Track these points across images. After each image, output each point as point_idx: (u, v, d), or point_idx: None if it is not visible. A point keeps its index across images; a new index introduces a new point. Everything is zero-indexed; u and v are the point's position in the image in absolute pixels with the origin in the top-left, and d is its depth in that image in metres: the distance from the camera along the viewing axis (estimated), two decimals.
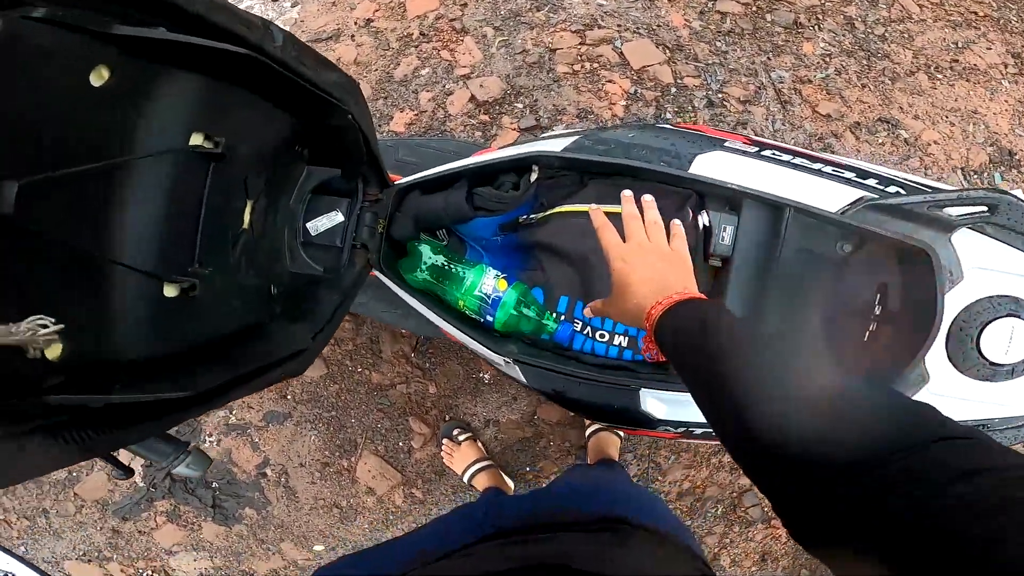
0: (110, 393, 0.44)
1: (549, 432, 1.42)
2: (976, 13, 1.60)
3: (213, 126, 0.58)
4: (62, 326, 0.40)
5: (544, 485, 1.41)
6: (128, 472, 0.52)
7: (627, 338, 0.79)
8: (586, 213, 0.78)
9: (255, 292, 0.73)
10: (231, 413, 1.44)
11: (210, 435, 1.46)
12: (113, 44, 0.44)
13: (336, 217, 0.82)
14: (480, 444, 1.38)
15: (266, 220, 0.74)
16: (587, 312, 0.70)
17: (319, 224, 0.82)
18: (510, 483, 1.37)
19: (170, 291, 0.57)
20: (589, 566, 0.41)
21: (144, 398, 0.46)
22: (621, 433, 1.35)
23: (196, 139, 0.57)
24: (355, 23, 1.65)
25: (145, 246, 0.53)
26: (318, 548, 1.46)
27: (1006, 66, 1.53)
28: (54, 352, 0.42)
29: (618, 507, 0.55)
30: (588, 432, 1.35)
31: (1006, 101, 1.50)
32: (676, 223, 0.67)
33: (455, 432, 1.36)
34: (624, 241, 0.63)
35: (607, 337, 0.78)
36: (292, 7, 1.69)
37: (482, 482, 1.30)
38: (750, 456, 0.38)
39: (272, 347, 0.67)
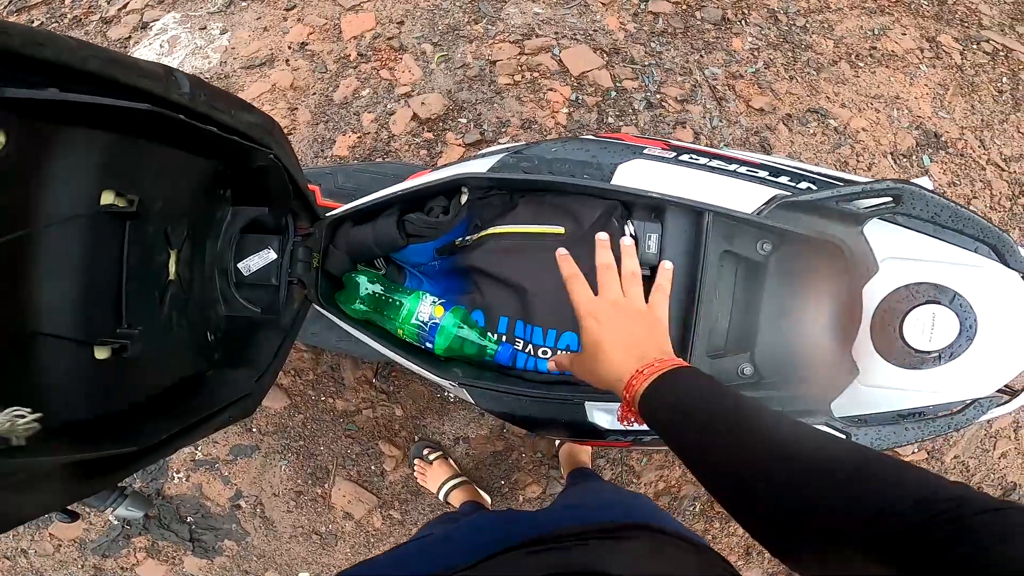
0: (58, 454, 0.44)
1: (520, 444, 1.42)
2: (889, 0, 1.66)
3: (124, 183, 0.57)
4: (40, 415, 0.40)
5: (525, 499, 1.41)
6: (73, 516, 0.53)
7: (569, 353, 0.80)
8: (519, 234, 0.79)
9: (190, 343, 0.72)
10: (196, 450, 1.41)
11: (177, 471, 1.43)
12: (4, 108, 0.43)
13: (268, 255, 0.81)
14: (452, 461, 1.37)
15: (193, 268, 0.73)
16: (552, 365, 0.67)
17: (251, 263, 0.81)
18: (486, 497, 1.37)
19: (101, 354, 0.56)
20: (628, 571, 0.42)
21: (88, 456, 0.47)
22: None
23: (107, 198, 0.56)
24: (289, 47, 1.63)
25: (68, 313, 0.53)
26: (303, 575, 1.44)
27: (922, 51, 1.60)
28: (18, 441, 0.42)
29: (635, 513, 0.55)
30: (557, 442, 1.35)
31: (925, 85, 1.56)
32: (665, 268, 0.63)
33: (425, 452, 1.36)
34: (596, 294, 0.59)
35: (549, 353, 0.79)
36: (222, 34, 1.67)
37: (458, 498, 1.30)
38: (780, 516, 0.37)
39: (215, 396, 0.67)
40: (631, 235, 0.75)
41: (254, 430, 1.41)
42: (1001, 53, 1.60)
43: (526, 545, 0.48)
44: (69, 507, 0.55)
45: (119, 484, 0.56)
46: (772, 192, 0.71)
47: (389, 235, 0.80)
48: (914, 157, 1.52)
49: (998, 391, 0.68)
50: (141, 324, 0.60)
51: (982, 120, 1.54)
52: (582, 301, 0.59)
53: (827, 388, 0.69)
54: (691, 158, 0.76)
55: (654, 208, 0.75)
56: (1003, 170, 1.51)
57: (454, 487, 1.31)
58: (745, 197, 0.72)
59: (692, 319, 0.71)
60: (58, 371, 0.51)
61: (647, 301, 0.60)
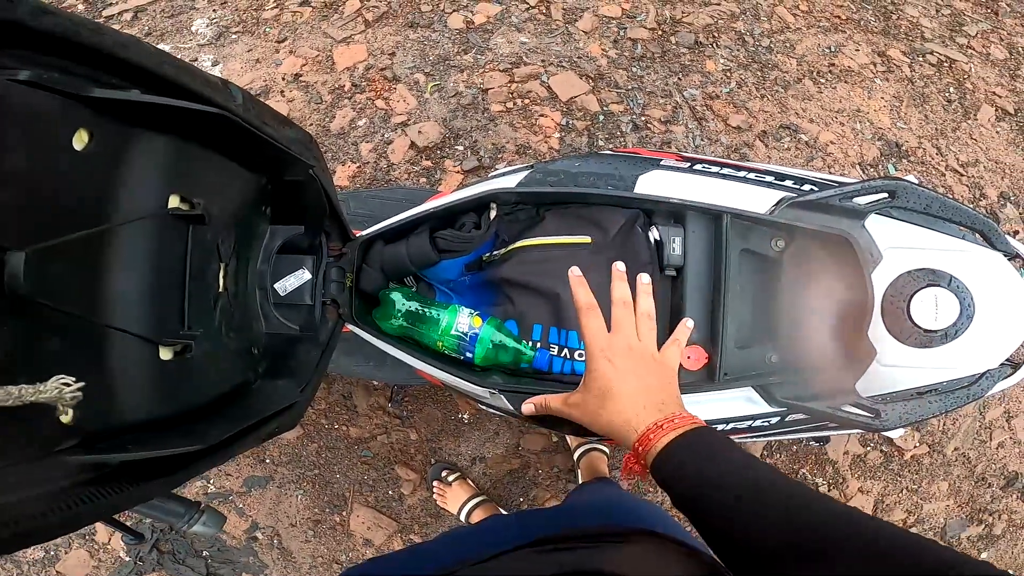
0: (124, 451, 0.45)
1: (536, 461, 1.43)
2: (840, 17, 1.82)
3: (188, 188, 0.59)
4: (83, 383, 0.41)
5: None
6: (139, 537, 0.54)
7: None
8: (547, 246, 0.83)
9: (238, 353, 0.73)
10: (209, 483, 1.37)
11: None
12: (90, 107, 0.45)
13: (303, 275, 0.83)
14: (470, 481, 1.37)
15: (237, 283, 0.74)
16: (527, 410, 0.64)
17: (287, 284, 0.82)
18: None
19: (165, 354, 0.57)
20: (632, 573, 0.43)
21: (159, 453, 0.47)
22: (606, 449, 1.39)
23: (174, 201, 0.58)
24: (283, 78, 1.66)
25: (138, 310, 0.54)
26: None
27: (875, 65, 1.75)
28: (66, 417, 0.43)
29: (645, 521, 0.56)
30: (576, 455, 1.37)
31: (882, 98, 1.71)
32: (685, 325, 0.62)
33: (444, 473, 1.35)
34: (609, 331, 0.57)
35: (585, 356, 0.83)
36: (213, 66, 1.69)
37: (479, 518, 1.29)
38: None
39: (262, 405, 0.67)
40: (655, 239, 0.80)
41: (267, 460, 1.38)
42: (945, 64, 1.77)
43: (534, 544, 0.49)
44: (136, 530, 0.55)
45: (196, 501, 0.56)
46: (780, 194, 0.78)
47: (423, 251, 0.82)
48: (880, 167, 1.64)
49: (1003, 364, 0.75)
50: (201, 328, 0.62)
51: (936, 129, 1.69)
52: (595, 336, 0.56)
53: (849, 370, 0.74)
54: (704, 167, 0.83)
55: (674, 214, 0.81)
56: (961, 175, 1.65)
57: (475, 507, 1.31)
58: (757, 199, 0.78)
59: (720, 313, 0.76)
60: (126, 368, 0.52)
61: (659, 349, 0.58)
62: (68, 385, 0.41)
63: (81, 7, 1.75)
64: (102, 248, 0.50)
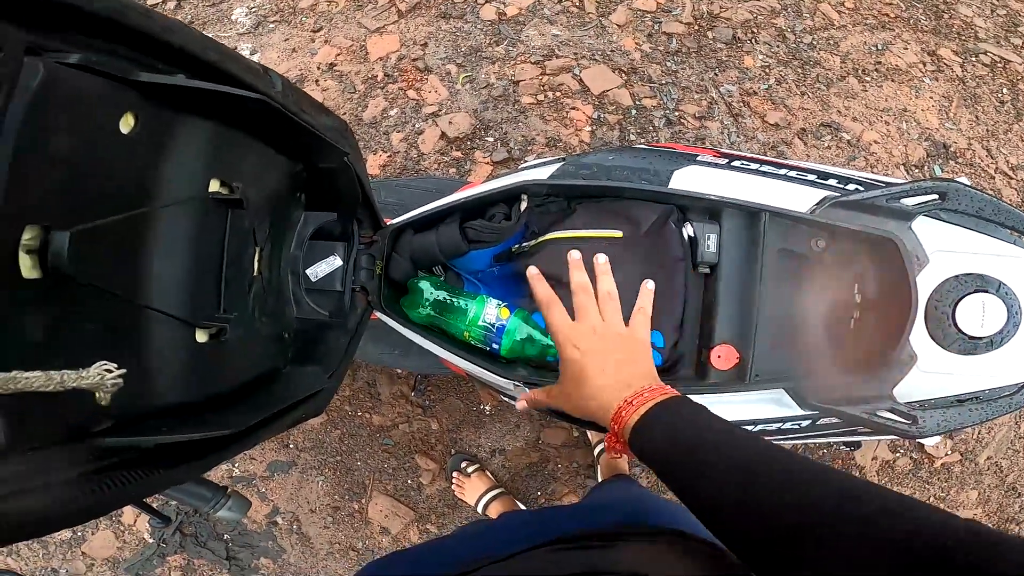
0: (158, 434, 0.45)
1: (555, 455, 1.43)
2: (888, 15, 1.75)
3: (228, 172, 0.60)
4: (124, 371, 0.41)
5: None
6: (166, 520, 0.54)
7: None
8: (576, 239, 0.83)
9: (270, 338, 0.74)
10: (234, 466, 1.40)
11: None
12: (137, 91, 0.46)
13: (335, 262, 0.84)
14: (489, 474, 1.38)
15: (271, 268, 0.75)
16: (520, 406, 0.64)
17: (319, 270, 0.83)
18: (524, 509, 1.37)
19: (201, 337, 0.58)
20: (650, 572, 0.43)
21: (192, 437, 0.48)
22: None
23: (214, 186, 0.59)
24: (318, 68, 1.68)
25: (176, 293, 0.55)
26: None
27: (924, 64, 1.68)
28: (105, 398, 0.44)
29: (666, 520, 0.56)
30: (597, 451, 1.36)
31: (930, 97, 1.64)
32: (647, 288, 0.62)
33: (463, 464, 1.36)
34: (573, 319, 0.58)
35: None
36: (252, 54, 1.72)
37: (496, 510, 1.30)
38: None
39: (290, 390, 0.68)
40: (689, 236, 0.79)
41: (291, 446, 1.41)
42: (999, 64, 1.69)
43: (553, 543, 0.49)
44: (163, 513, 0.57)
45: (223, 486, 0.57)
46: (823, 193, 0.75)
47: (453, 240, 0.82)
48: (926, 168, 1.58)
49: None
50: (235, 312, 0.63)
51: (987, 130, 1.61)
52: (560, 327, 0.57)
53: (887, 374, 0.72)
54: (742, 164, 0.80)
55: (710, 210, 0.79)
56: (1011, 178, 1.58)
57: (492, 499, 1.32)
58: (798, 198, 0.75)
59: (753, 313, 0.74)
60: (162, 350, 0.53)
61: (627, 323, 0.59)
62: (110, 371, 0.41)
63: None
64: (143, 231, 0.51)
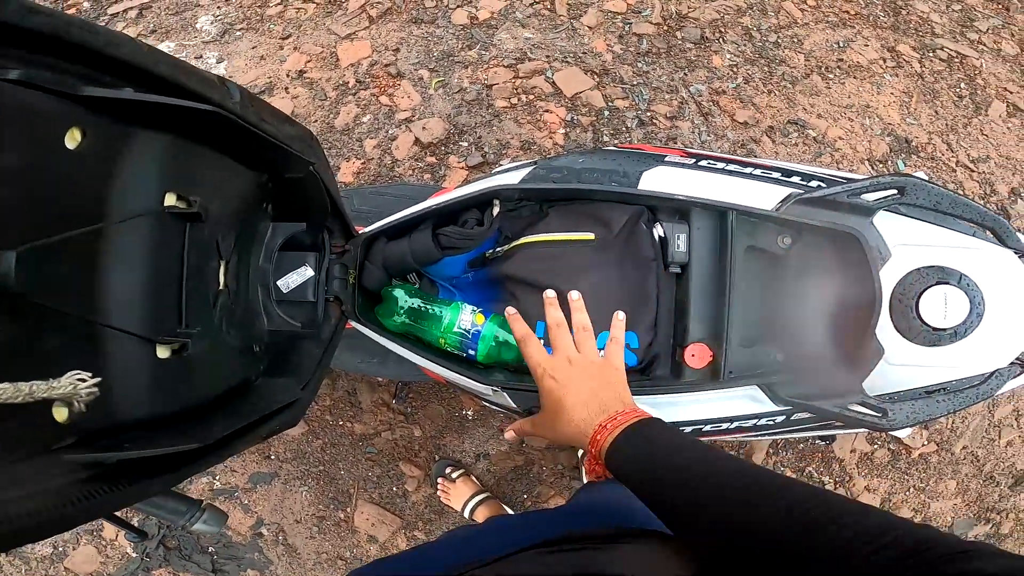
0: (121, 450, 0.44)
1: (540, 458, 1.43)
2: (848, 12, 1.79)
3: (184, 186, 0.59)
4: (100, 379, 0.41)
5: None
6: (142, 534, 0.53)
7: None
8: (550, 242, 0.83)
9: (240, 351, 0.73)
10: (215, 479, 1.38)
11: None
12: (84, 106, 0.45)
13: (306, 272, 0.83)
14: (474, 478, 1.37)
15: (239, 280, 0.74)
16: (509, 436, 0.68)
17: (290, 281, 0.82)
18: (510, 512, 1.37)
19: (163, 353, 0.57)
20: (636, 573, 0.43)
21: (155, 452, 0.47)
22: None
23: (170, 199, 0.58)
24: (287, 75, 1.66)
25: (134, 309, 0.53)
26: None
27: (884, 60, 1.73)
28: (61, 415, 0.43)
29: (652, 521, 0.56)
30: (581, 452, 1.37)
31: (892, 93, 1.68)
32: (618, 319, 0.65)
33: (447, 470, 1.36)
34: (549, 352, 0.61)
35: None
36: (218, 63, 1.69)
37: (483, 514, 1.29)
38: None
39: (264, 402, 0.67)
40: (660, 236, 0.80)
41: (272, 457, 1.39)
42: (956, 60, 1.74)
43: (541, 546, 0.50)
44: (141, 528, 0.55)
45: (197, 499, 0.56)
46: (788, 190, 0.77)
47: (425, 247, 0.82)
48: (889, 163, 1.62)
49: (1012, 363, 0.74)
50: (198, 327, 0.61)
51: (947, 125, 1.66)
52: (538, 362, 0.61)
53: (856, 368, 0.73)
54: (709, 163, 0.82)
55: (679, 210, 0.80)
56: (972, 171, 1.63)
57: (479, 503, 1.31)
58: (763, 196, 0.77)
59: (725, 311, 0.75)
60: (123, 366, 0.52)
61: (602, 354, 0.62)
62: (83, 381, 0.40)
63: (87, 4, 1.75)
64: (97, 247, 0.50)
